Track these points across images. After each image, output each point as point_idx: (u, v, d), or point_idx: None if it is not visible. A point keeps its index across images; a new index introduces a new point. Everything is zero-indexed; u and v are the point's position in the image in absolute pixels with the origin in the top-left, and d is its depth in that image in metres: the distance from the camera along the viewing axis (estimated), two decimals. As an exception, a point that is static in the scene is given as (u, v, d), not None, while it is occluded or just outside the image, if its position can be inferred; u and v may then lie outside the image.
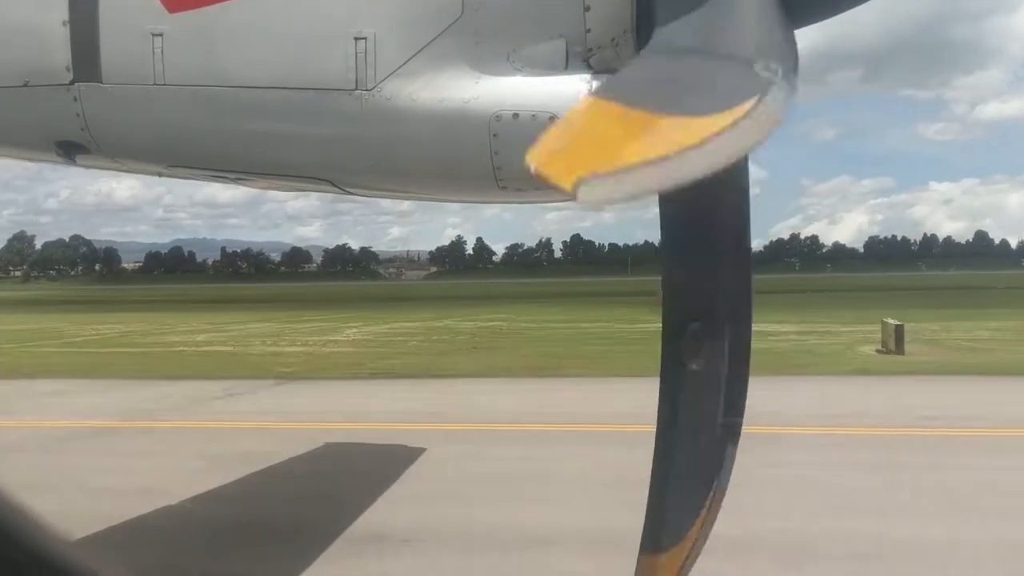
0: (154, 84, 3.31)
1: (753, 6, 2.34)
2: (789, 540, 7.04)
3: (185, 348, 28.19)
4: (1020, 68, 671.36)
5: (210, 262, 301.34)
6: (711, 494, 3.15)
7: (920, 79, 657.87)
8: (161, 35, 3.27)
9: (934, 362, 19.84)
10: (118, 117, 3.48)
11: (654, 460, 3.16)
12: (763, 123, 1.81)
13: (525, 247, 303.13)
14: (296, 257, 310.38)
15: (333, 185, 3.61)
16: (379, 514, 7.69)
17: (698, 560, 3.24)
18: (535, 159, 1.69)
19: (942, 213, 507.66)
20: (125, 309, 62.63)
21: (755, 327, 3.44)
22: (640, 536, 3.17)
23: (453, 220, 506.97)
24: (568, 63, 3.10)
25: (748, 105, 1.79)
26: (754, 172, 3.35)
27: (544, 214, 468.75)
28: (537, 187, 3.05)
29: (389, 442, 10.94)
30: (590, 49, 3.10)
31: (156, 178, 4.06)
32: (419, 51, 3.13)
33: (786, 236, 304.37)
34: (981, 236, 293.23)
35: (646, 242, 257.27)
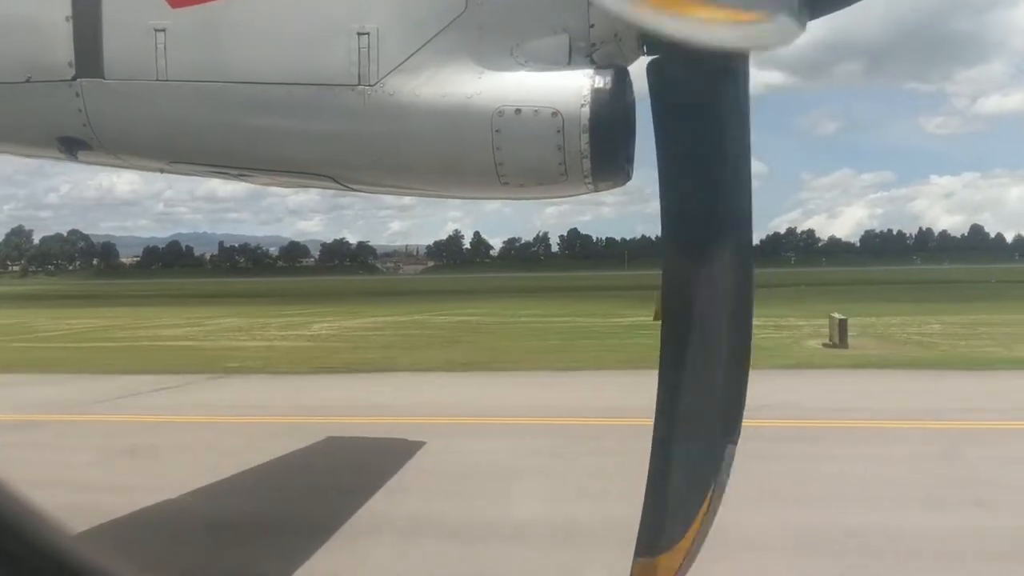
0: (156, 80, 3.31)
1: None
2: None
3: (150, 343, 28.47)
4: (1022, 62, 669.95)
5: (208, 256, 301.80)
6: (709, 496, 3.06)
7: (922, 72, 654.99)
8: (164, 31, 3.28)
9: (873, 356, 20.09)
10: (120, 113, 3.48)
11: (651, 461, 3.12)
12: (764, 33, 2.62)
13: (522, 241, 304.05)
14: (293, 251, 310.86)
15: (335, 181, 3.62)
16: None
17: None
18: None
19: (942, 207, 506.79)
20: (112, 304, 62.83)
21: None
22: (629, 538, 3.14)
23: (454, 215, 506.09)
24: (571, 58, 3.10)
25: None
26: (754, 166, 3.35)
27: (544, 208, 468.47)
28: (539, 183, 3.25)
29: (274, 435, 11.21)
30: (593, 44, 3.10)
31: (157, 173, 4.13)
32: (422, 46, 3.14)
33: (783, 230, 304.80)
34: (977, 230, 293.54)
35: (643, 236, 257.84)
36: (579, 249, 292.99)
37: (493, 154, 3.14)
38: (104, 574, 1.12)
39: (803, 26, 2.76)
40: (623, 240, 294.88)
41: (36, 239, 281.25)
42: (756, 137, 3.19)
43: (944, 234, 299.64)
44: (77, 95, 3.43)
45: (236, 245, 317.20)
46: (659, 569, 3.08)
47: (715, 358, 3.12)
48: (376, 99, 3.17)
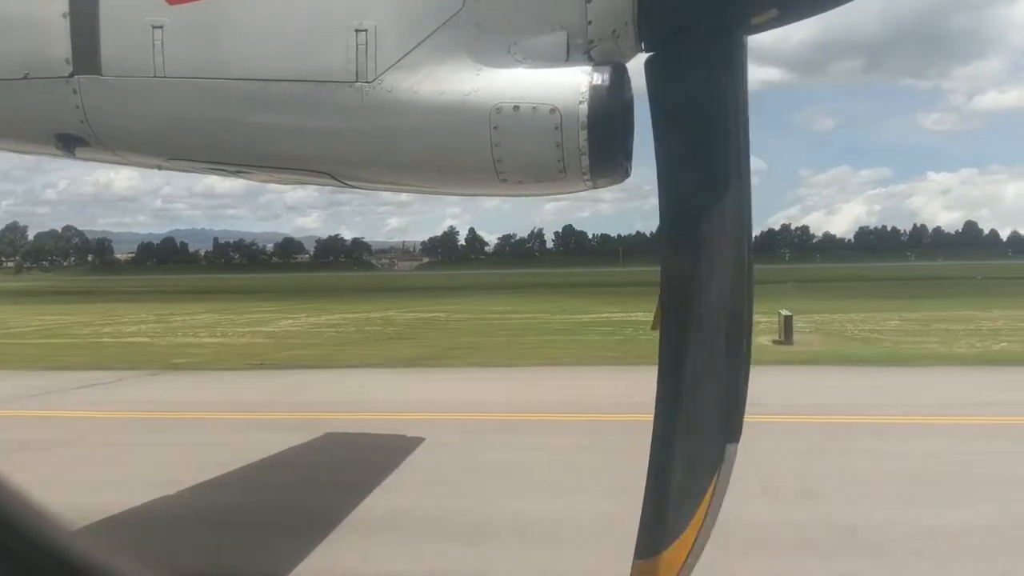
0: (154, 76, 3.30)
1: None
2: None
3: (109, 339, 28.56)
4: (1020, 58, 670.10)
5: (203, 253, 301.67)
6: (710, 495, 3.04)
7: (920, 69, 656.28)
8: (161, 27, 3.26)
9: (813, 352, 20.26)
10: (118, 110, 3.46)
11: (650, 461, 3.10)
12: None
13: (517, 237, 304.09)
14: (289, 248, 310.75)
15: (333, 178, 3.61)
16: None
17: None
18: None
19: (939, 203, 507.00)
20: (99, 300, 62.92)
21: None
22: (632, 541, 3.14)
23: (452, 211, 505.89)
24: (569, 55, 3.10)
25: None
26: (753, 163, 3.34)
27: (543, 205, 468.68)
28: (537, 179, 3.27)
29: (174, 430, 11.39)
30: (591, 41, 3.10)
31: (155, 170, 4.07)
32: (420, 43, 3.13)
33: (777, 227, 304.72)
34: (971, 226, 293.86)
35: (638, 232, 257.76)
36: (574, 245, 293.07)
37: (491, 151, 3.13)
38: (105, 570, 1.11)
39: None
40: (619, 236, 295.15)
41: (31, 235, 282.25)
42: (754, 134, 3.22)
43: (939, 231, 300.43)
44: (74, 92, 3.41)
45: (231, 241, 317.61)
46: (661, 566, 3.07)
47: (715, 356, 3.11)
48: (374, 96, 3.17)
